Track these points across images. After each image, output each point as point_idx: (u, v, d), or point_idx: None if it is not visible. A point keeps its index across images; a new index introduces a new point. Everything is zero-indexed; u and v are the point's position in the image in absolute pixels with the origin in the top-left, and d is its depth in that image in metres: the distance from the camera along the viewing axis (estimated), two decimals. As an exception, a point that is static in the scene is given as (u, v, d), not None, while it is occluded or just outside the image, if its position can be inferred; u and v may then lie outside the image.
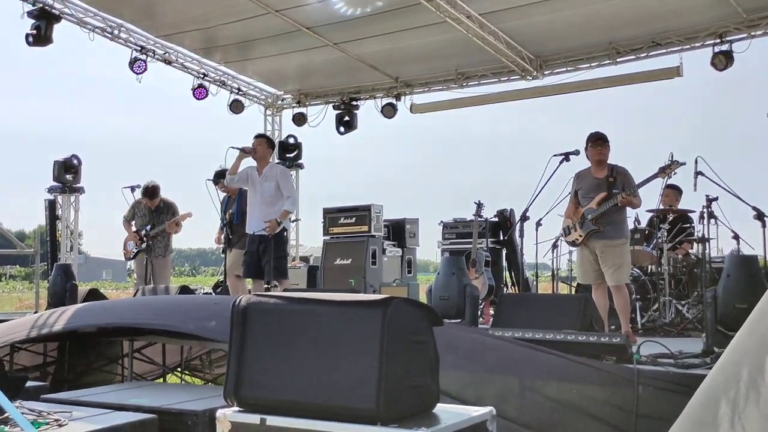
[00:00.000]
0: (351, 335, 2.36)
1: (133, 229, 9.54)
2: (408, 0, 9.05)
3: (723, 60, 9.86)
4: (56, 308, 4.90)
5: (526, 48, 10.95)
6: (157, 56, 11.29)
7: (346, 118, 13.25)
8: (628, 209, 7.02)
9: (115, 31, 10.64)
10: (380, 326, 2.29)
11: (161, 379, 5.71)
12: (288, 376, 2.44)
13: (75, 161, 11.80)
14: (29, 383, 3.81)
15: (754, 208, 7.52)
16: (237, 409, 2.52)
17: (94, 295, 7.90)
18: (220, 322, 3.60)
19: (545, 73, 11.52)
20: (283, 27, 10.39)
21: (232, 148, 7.93)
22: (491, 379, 3.66)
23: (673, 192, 8.80)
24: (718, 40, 9.89)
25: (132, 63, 10.95)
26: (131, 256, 9.56)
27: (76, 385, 4.85)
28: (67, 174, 11.72)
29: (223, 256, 9.02)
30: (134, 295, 8.04)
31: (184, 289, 7.33)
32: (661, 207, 8.60)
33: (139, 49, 10.99)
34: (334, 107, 13.34)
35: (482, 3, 9.46)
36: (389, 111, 12.76)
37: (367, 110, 13.22)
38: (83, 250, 49.71)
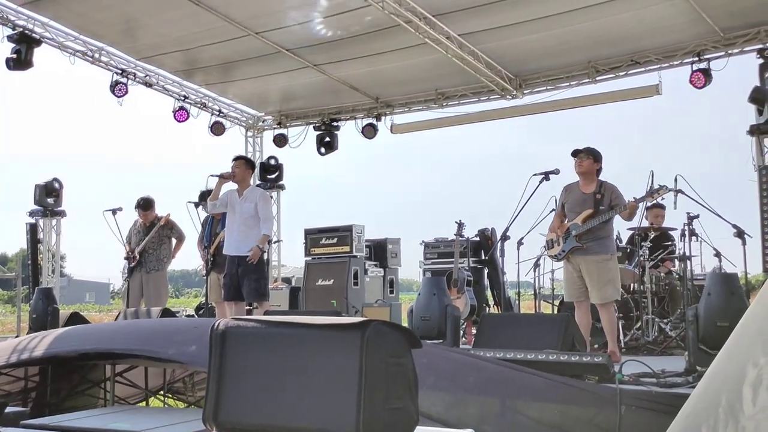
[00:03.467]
0: (330, 359, 2.35)
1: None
2: (388, 21, 9.10)
3: (701, 78, 9.97)
4: (37, 333, 4.86)
5: (505, 68, 11.04)
6: (137, 79, 11.29)
7: (327, 138, 13.26)
8: (614, 225, 7.02)
9: (96, 55, 10.64)
10: (359, 349, 2.28)
11: (144, 403, 5.67)
12: (267, 400, 2.42)
13: (56, 185, 11.73)
14: (9, 408, 3.77)
15: (734, 226, 7.56)
16: (216, 434, 2.50)
17: (75, 318, 7.82)
18: (200, 347, 3.58)
19: (525, 92, 11.59)
20: (264, 49, 10.42)
21: (212, 175, 7.95)
22: (472, 399, 3.65)
23: (662, 211, 8.88)
24: (696, 59, 10.01)
25: (113, 86, 10.96)
26: (126, 276, 9.52)
27: (58, 409, 4.81)
28: (49, 198, 11.64)
29: (204, 278, 9.00)
30: (116, 318, 7.96)
31: (166, 312, 7.26)
32: (644, 224, 8.65)
33: (120, 72, 11.00)
34: (315, 128, 13.36)
35: (462, 24, 9.53)
36: (370, 131, 12.80)
37: (348, 131, 13.26)
38: (66, 273, 49.29)
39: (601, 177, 6.89)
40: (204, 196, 8.71)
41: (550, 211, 7.41)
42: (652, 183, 6.83)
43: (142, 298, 9.30)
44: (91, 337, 4.64)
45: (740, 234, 7.51)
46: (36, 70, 9.78)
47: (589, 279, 6.66)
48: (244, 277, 7.72)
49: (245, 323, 2.53)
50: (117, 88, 10.98)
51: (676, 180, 7.72)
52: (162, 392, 5.76)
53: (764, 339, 1.71)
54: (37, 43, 9.80)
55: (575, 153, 6.86)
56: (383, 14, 8.78)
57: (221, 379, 2.50)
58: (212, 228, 8.90)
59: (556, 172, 7.04)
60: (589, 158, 6.80)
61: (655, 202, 8.61)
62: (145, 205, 9.54)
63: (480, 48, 10.24)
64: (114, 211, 9.49)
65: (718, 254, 8.15)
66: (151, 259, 9.42)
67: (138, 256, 9.34)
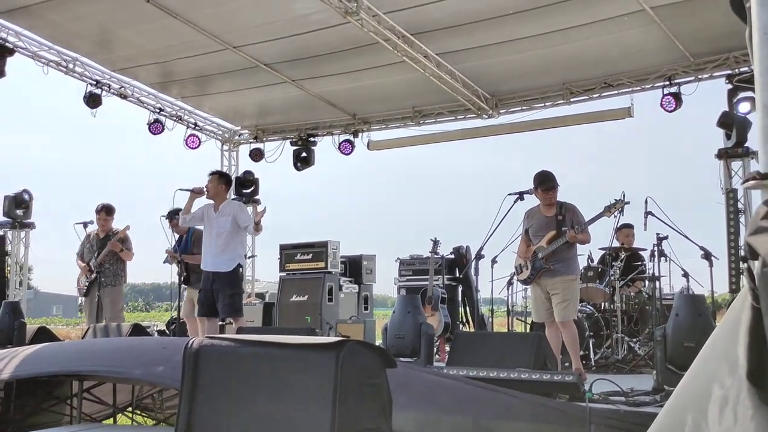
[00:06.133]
0: (304, 379, 2.36)
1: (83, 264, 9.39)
2: (366, 39, 9.14)
3: (672, 101, 10.13)
4: (2, 352, 4.78)
5: (482, 87, 11.13)
6: (112, 90, 11.22)
7: (304, 154, 13.27)
8: (579, 246, 7.13)
9: (70, 65, 10.57)
10: (333, 370, 2.29)
11: (112, 419, 5.60)
12: (240, 420, 2.42)
13: (26, 196, 11.60)
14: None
15: (702, 248, 7.69)
16: (188, 453, 2.49)
17: (42, 333, 7.72)
18: (167, 368, 3.54)
19: (501, 111, 11.70)
20: (241, 63, 10.41)
21: (180, 190, 7.91)
22: (444, 418, 3.66)
23: (631, 230, 9.00)
24: (668, 83, 10.17)
25: (87, 97, 10.87)
26: (84, 292, 9.37)
27: (22, 426, 4.73)
28: (18, 209, 11.51)
29: (178, 291, 8.93)
30: (85, 334, 7.86)
31: (137, 328, 7.19)
32: (616, 245, 8.76)
33: (95, 83, 10.92)
34: (292, 143, 13.37)
35: (440, 43, 9.61)
36: (347, 147, 12.83)
37: (325, 147, 13.29)
38: (33, 285, 48.53)
39: (564, 198, 7.02)
40: (175, 212, 8.62)
41: (525, 231, 7.48)
42: (615, 201, 6.92)
43: (102, 314, 9.12)
44: (58, 358, 4.55)
45: (707, 256, 7.63)
46: (8, 79, 9.71)
47: (554, 298, 6.79)
48: (219, 292, 7.68)
49: (219, 342, 2.53)
50: (91, 100, 10.90)
51: (646, 202, 7.85)
52: (130, 409, 5.69)
53: (730, 360, 1.73)
54: (10, 52, 9.69)
55: (548, 188, 6.91)
56: (362, 32, 8.82)
57: (194, 398, 2.49)
58: (182, 245, 8.89)
59: (530, 191, 7.10)
60: (555, 190, 6.92)
61: (624, 223, 8.77)
62: (109, 209, 9.40)
63: (457, 67, 10.33)
64: (85, 225, 9.38)
65: (686, 275, 8.28)
66: (108, 275, 9.18)
67: (94, 271, 9.17)
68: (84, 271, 9.30)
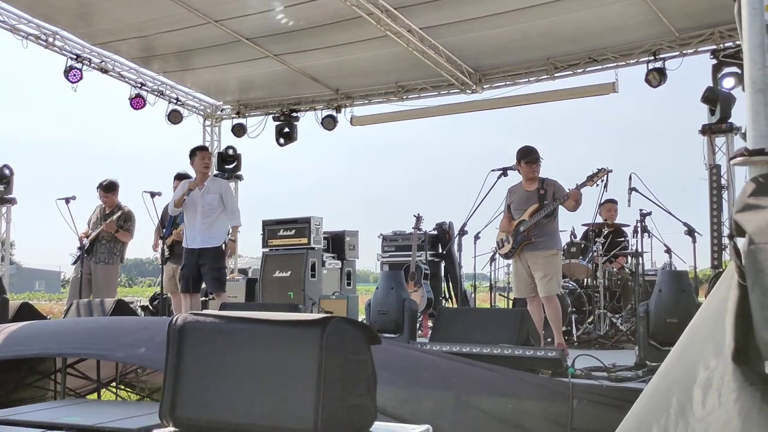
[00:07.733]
0: (289, 355, 2.34)
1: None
2: (349, 13, 9.07)
3: (657, 76, 10.13)
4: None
5: (465, 62, 11.09)
6: (93, 65, 11.09)
7: (286, 129, 13.21)
8: (560, 222, 7.12)
9: (50, 39, 10.42)
10: (318, 346, 2.28)
11: (95, 394, 5.59)
12: (225, 396, 2.41)
13: (7, 171, 11.47)
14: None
15: (685, 224, 7.73)
16: (173, 429, 2.48)
17: (25, 309, 7.65)
18: (149, 349, 3.52)
19: (484, 86, 11.67)
20: (223, 37, 10.31)
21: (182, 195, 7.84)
22: (427, 394, 3.68)
23: (614, 205, 9.04)
24: (652, 58, 10.18)
25: (67, 71, 10.73)
26: (73, 261, 9.19)
27: (6, 402, 4.70)
28: (-1, 185, 11.39)
29: (160, 267, 8.87)
30: (67, 311, 7.79)
31: (120, 304, 7.14)
32: (599, 221, 8.79)
33: (75, 57, 10.77)
34: (274, 118, 13.29)
35: (423, 17, 9.55)
36: (329, 123, 12.78)
37: (308, 122, 13.22)
38: (15, 260, 48.21)
39: (547, 174, 7.03)
40: (181, 176, 8.63)
41: (507, 206, 7.49)
42: (597, 171, 6.93)
43: (90, 290, 8.99)
44: (40, 339, 4.51)
45: (690, 232, 7.68)
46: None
47: (535, 273, 6.80)
48: (205, 267, 7.63)
49: (204, 318, 2.51)
50: (71, 74, 10.75)
51: (630, 178, 7.87)
52: (114, 384, 5.68)
53: (715, 341, 1.74)
54: (-11, 25, 9.58)
55: (533, 161, 6.90)
56: (345, 6, 8.75)
57: (178, 374, 2.47)
58: (173, 218, 8.78)
59: (513, 167, 7.10)
60: (539, 164, 6.92)
61: (608, 198, 8.80)
62: (107, 187, 9.22)
63: (441, 42, 10.28)
64: (67, 200, 9.22)
65: (668, 251, 8.32)
66: (102, 251, 9.03)
67: (87, 243, 8.98)
68: (80, 238, 9.10)
